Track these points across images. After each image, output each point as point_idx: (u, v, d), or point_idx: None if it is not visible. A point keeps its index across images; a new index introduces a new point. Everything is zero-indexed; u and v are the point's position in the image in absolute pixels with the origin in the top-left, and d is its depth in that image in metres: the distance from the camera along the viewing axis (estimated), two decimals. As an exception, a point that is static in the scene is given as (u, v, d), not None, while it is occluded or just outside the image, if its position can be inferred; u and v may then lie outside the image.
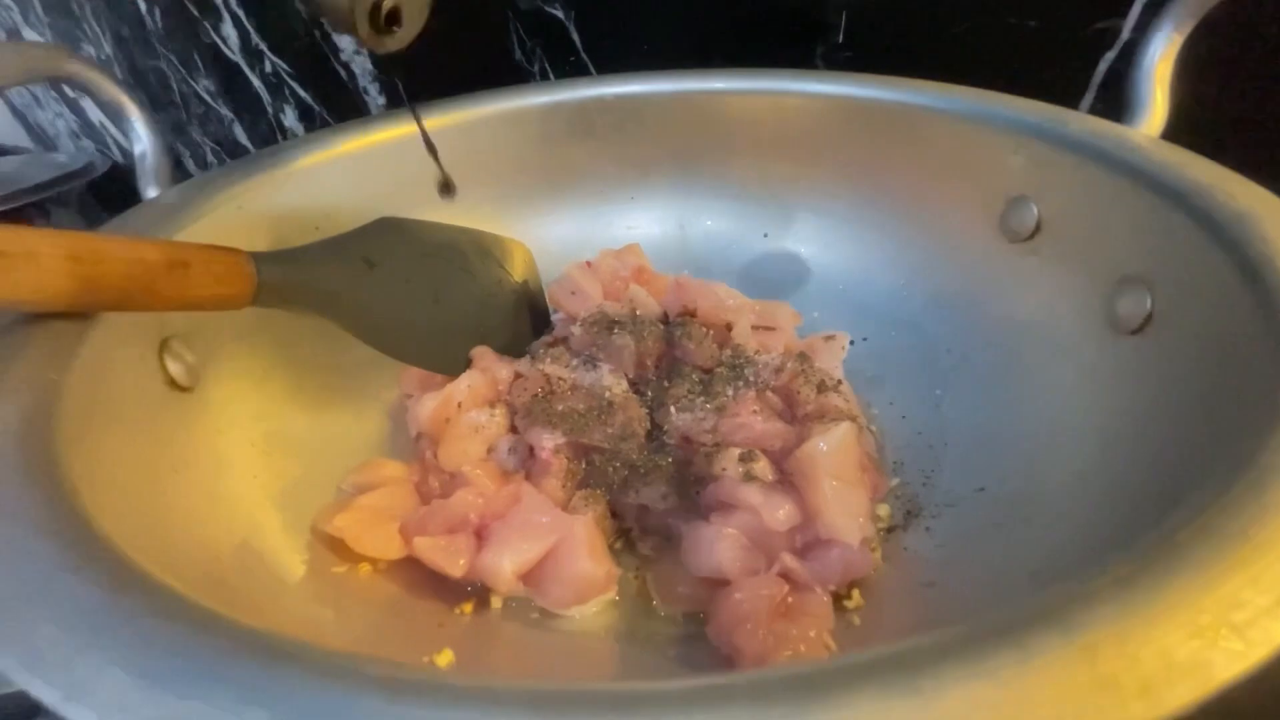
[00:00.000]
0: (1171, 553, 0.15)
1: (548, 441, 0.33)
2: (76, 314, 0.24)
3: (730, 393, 0.34)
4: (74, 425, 0.21)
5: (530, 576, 0.30)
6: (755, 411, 0.33)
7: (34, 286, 0.21)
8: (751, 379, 0.35)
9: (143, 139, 0.35)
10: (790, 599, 0.27)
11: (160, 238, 0.30)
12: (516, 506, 0.31)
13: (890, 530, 0.32)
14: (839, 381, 0.35)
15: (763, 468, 0.30)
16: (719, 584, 0.29)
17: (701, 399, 0.34)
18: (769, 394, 0.34)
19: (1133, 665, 0.13)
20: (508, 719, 0.12)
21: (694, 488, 0.32)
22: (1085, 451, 0.29)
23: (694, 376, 0.36)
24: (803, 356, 0.36)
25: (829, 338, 0.37)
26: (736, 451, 0.31)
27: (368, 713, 0.12)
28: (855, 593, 0.29)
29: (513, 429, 0.35)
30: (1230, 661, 0.13)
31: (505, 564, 0.29)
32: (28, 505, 0.17)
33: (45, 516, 0.17)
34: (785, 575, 0.28)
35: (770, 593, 0.27)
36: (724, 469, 0.31)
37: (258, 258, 0.29)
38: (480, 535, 0.30)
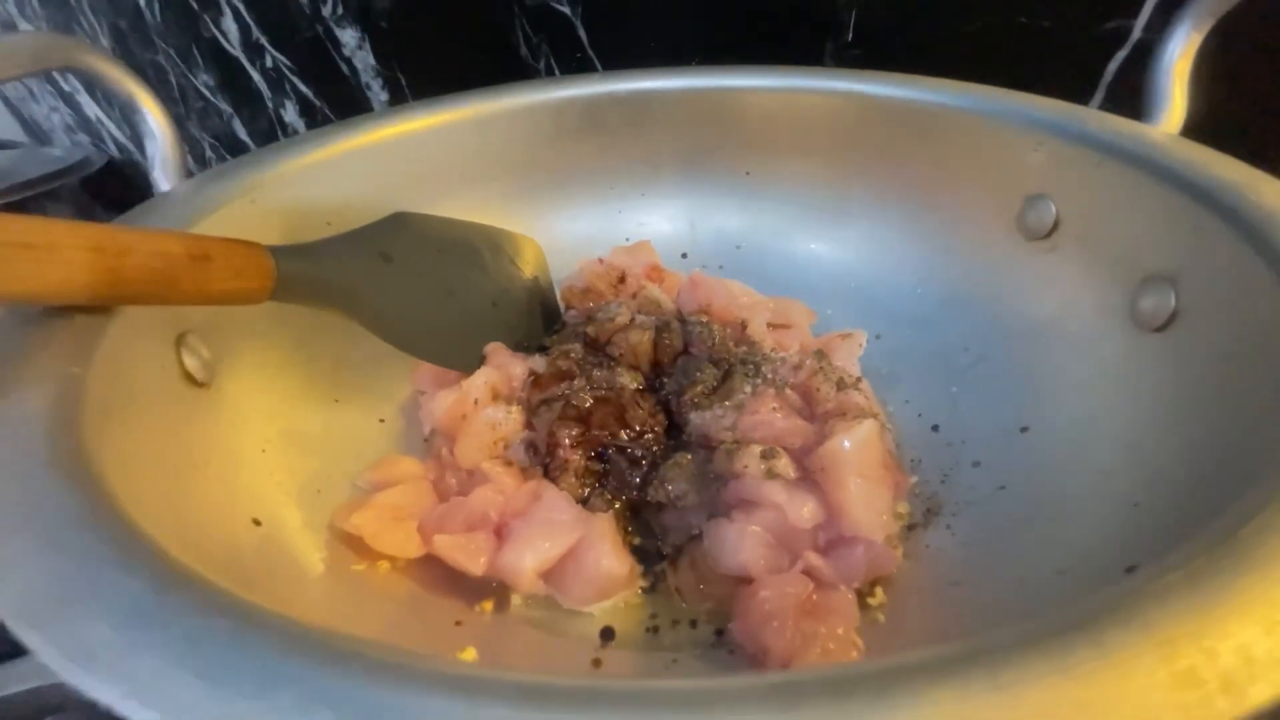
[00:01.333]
0: (1238, 548, 0.15)
1: (565, 438, 0.33)
2: (96, 308, 0.24)
3: (749, 390, 0.34)
4: (96, 419, 0.20)
5: (551, 574, 0.30)
6: (775, 409, 0.33)
7: (58, 279, 0.21)
8: (770, 376, 0.35)
9: (155, 132, 0.35)
10: (815, 597, 0.27)
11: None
12: (536, 504, 0.30)
13: (911, 528, 0.32)
14: (858, 379, 0.35)
15: (784, 465, 0.30)
16: (742, 581, 0.29)
17: (719, 397, 0.34)
18: (788, 391, 0.34)
19: (1211, 661, 0.13)
20: (574, 718, 0.12)
21: (714, 485, 0.32)
22: (1109, 449, 0.29)
23: (711, 374, 0.35)
24: (820, 354, 0.36)
25: (846, 335, 0.37)
26: (758, 449, 0.31)
27: (437, 712, 0.12)
28: (879, 590, 0.29)
29: (528, 426, 0.35)
30: None
31: (526, 562, 0.29)
32: (63, 499, 0.16)
33: (81, 510, 0.16)
34: (809, 573, 0.28)
35: (796, 591, 0.27)
36: (745, 466, 0.30)
37: (276, 252, 0.28)
38: (500, 533, 0.30)
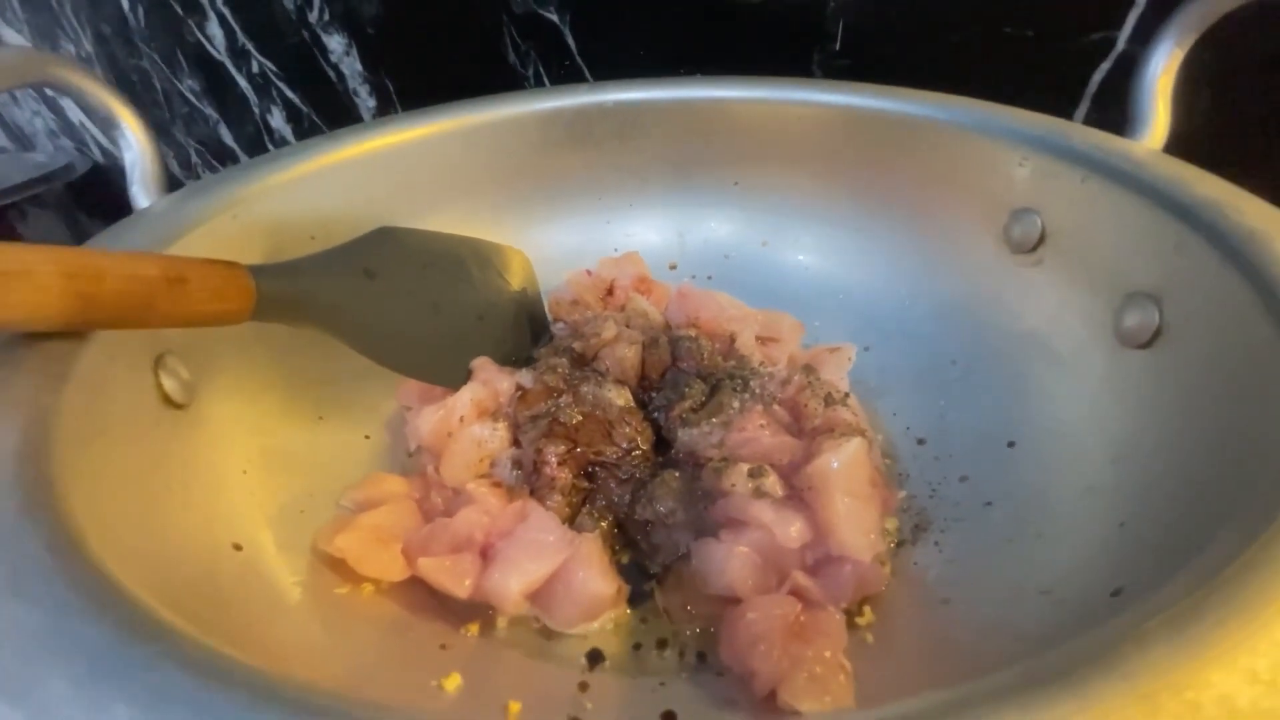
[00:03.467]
0: (1218, 590, 0.15)
1: (552, 456, 0.33)
2: (70, 333, 0.24)
3: (736, 406, 0.34)
4: (70, 448, 0.20)
5: (538, 596, 0.29)
6: (762, 425, 0.33)
7: (30, 305, 0.20)
8: (758, 392, 0.34)
9: (133, 145, 0.34)
10: (803, 618, 0.27)
11: (155, 252, 0.29)
12: (522, 525, 0.30)
13: (900, 545, 0.32)
14: (846, 394, 0.34)
15: (772, 483, 0.30)
16: (729, 602, 0.29)
17: (707, 413, 0.34)
18: (775, 407, 0.34)
19: (1195, 714, 0.13)
20: None
21: (702, 502, 0.32)
22: (1095, 465, 0.29)
23: (699, 390, 0.35)
24: (809, 369, 0.36)
25: (835, 349, 0.37)
26: (745, 467, 0.31)
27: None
28: (867, 609, 0.29)
29: (515, 443, 0.35)
30: None
31: (512, 584, 0.28)
32: (29, 544, 0.16)
33: (48, 554, 0.16)
34: (797, 593, 0.28)
35: (783, 612, 0.27)
36: (733, 485, 0.30)
37: (256, 271, 0.28)
38: (485, 554, 0.30)
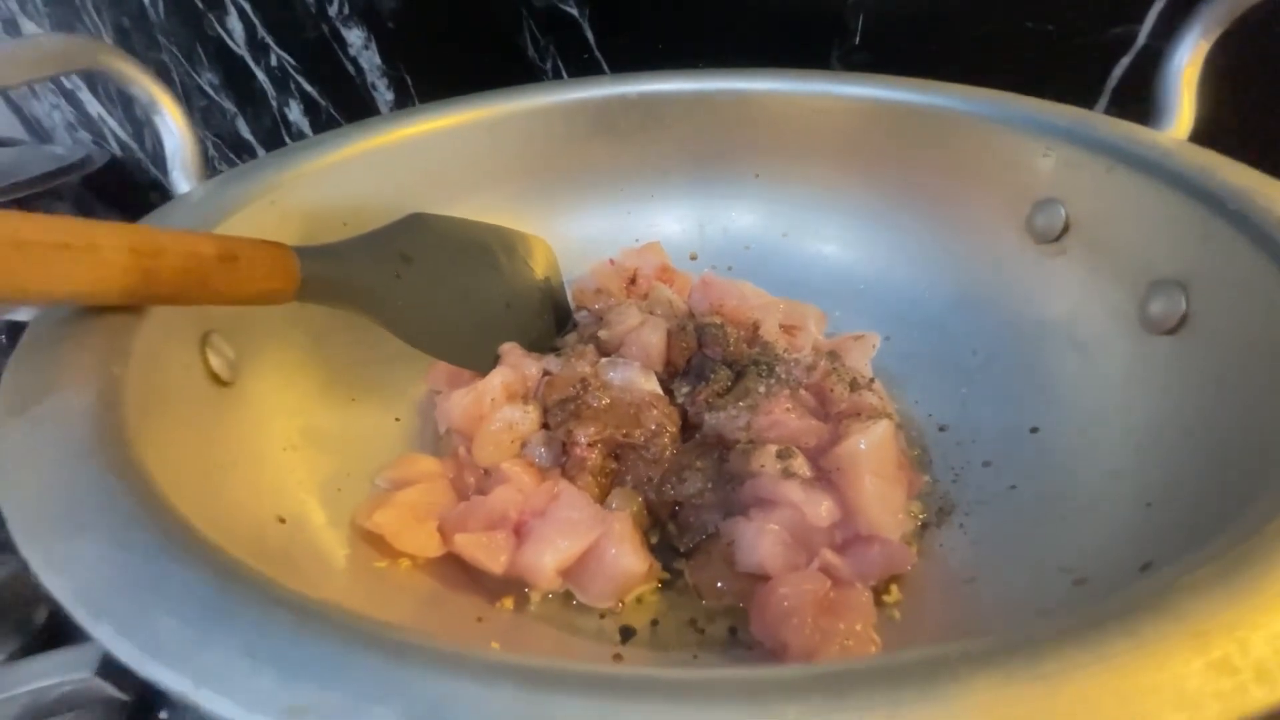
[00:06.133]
0: (1265, 542, 0.16)
1: (581, 437, 0.33)
2: (125, 308, 0.24)
3: (762, 390, 0.34)
4: (136, 419, 0.21)
5: (570, 572, 0.30)
6: (789, 409, 0.33)
7: (95, 279, 0.21)
8: (783, 376, 0.35)
9: (174, 132, 0.35)
10: (832, 594, 0.28)
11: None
12: (555, 503, 0.31)
13: (924, 527, 0.32)
14: (871, 379, 0.35)
15: (800, 464, 0.31)
16: (759, 579, 0.29)
17: (734, 397, 0.35)
18: (801, 392, 0.35)
19: (1244, 650, 0.13)
20: (639, 706, 0.12)
21: (730, 484, 0.32)
22: (1119, 450, 0.30)
23: (724, 375, 0.36)
24: (833, 354, 0.36)
25: (858, 337, 0.38)
26: (774, 448, 0.31)
27: (501, 702, 0.12)
28: (894, 588, 0.29)
29: (544, 425, 0.35)
30: None
31: (546, 560, 0.29)
32: (119, 497, 0.17)
33: (137, 507, 0.17)
34: (826, 570, 0.28)
35: (814, 588, 0.27)
36: (762, 465, 0.31)
37: (300, 253, 0.29)
38: (519, 532, 0.31)
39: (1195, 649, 0.13)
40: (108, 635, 0.14)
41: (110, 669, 0.19)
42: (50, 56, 0.30)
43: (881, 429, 0.30)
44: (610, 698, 0.12)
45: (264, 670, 0.13)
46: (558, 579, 0.30)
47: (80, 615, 0.15)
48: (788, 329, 0.40)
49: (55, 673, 0.19)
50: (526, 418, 0.35)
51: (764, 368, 0.36)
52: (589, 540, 0.30)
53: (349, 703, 0.12)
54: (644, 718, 0.12)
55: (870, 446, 0.30)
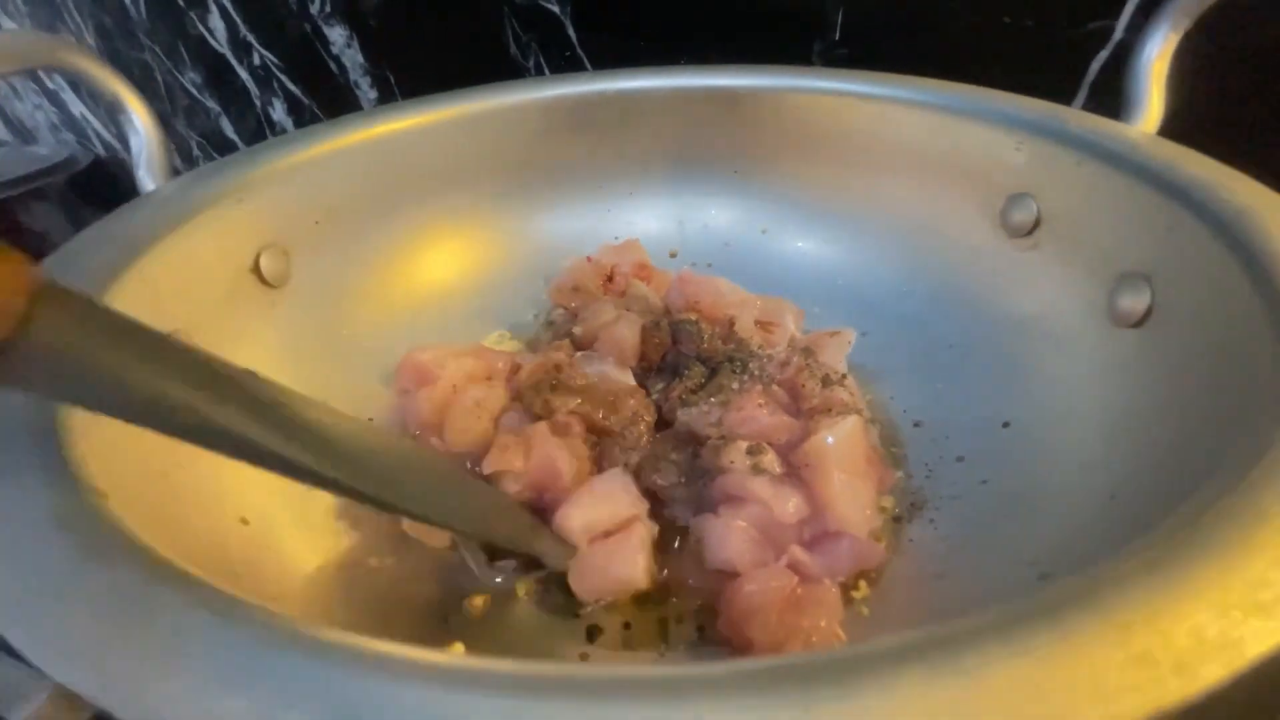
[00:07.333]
0: (1196, 536, 0.16)
1: (561, 407, 0.33)
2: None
3: (735, 387, 0.34)
4: (83, 421, 0.21)
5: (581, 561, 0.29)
6: (761, 405, 0.33)
7: None
8: (756, 373, 0.35)
9: (140, 131, 0.35)
10: (800, 590, 0.28)
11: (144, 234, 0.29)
12: (601, 475, 0.31)
13: (896, 521, 0.32)
14: (844, 376, 0.35)
15: (770, 460, 0.31)
16: (729, 576, 0.29)
17: (706, 394, 0.34)
18: (774, 388, 0.34)
19: (1166, 643, 0.13)
20: (553, 705, 0.12)
21: (701, 480, 0.32)
22: (1087, 443, 0.30)
23: (698, 371, 0.36)
24: (807, 351, 0.36)
25: (834, 334, 0.38)
26: (744, 444, 0.31)
27: (417, 703, 0.12)
28: (862, 584, 0.29)
29: (515, 401, 0.35)
30: (1259, 638, 0.14)
31: (575, 520, 0.29)
32: (44, 497, 0.17)
33: (63, 508, 0.17)
34: (794, 567, 0.28)
35: (780, 584, 0.27)
36: (732, 461, 0.31)
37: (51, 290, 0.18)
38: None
39: (1117, 642, 0.13)
40: (19, 638, 0.14)
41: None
42: (12, 53, 0.30)
43: (850, 425, 0.30)
44: (525, 697, 0.12)
45: (177, 675, 0.13)
46: (576, 546, 0.29)
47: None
48: (764, 325, 0.40)
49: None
50: (492, 393, 0.34)
51: (738, 364, 0.36)
52: (622, 518, 0.29)
53: (263, 709, 0.12)
54: (551, 716, 0.12)
55: (838, 442, 0.30)
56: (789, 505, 0.29)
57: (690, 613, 0.30)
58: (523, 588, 0.30)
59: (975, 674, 0.13)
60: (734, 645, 0.27)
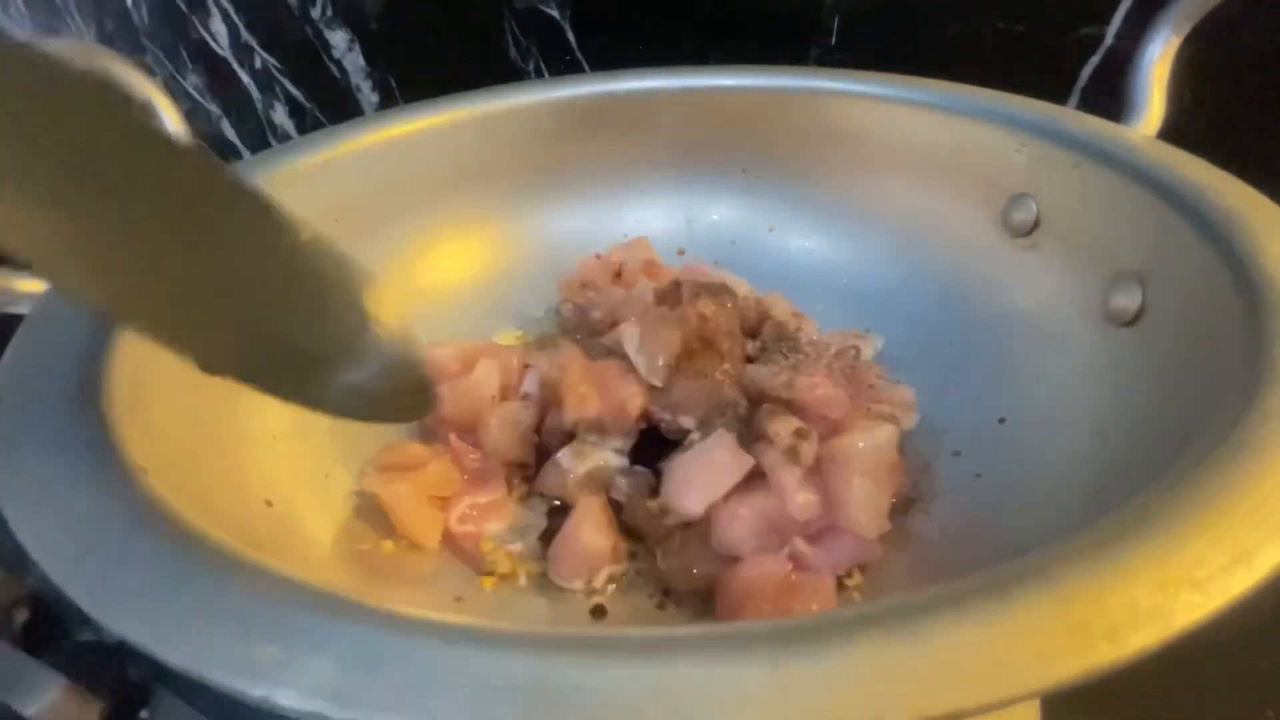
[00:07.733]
0: (1144, 518, 0.17)
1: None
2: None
3: (801, 356, 0.36)
4: (126, 402, 0.22)
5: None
6: (828, 376, 0.34)
7: None
8: (810, 354, 0.36)
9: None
10: (794, 577, 0.28)
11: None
12: (699, 448, 0.31)
13: (892, 513, 0.33)
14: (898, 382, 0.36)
15: (808, 450, 0.30)
16: (729, 561, 0.30)
17: (781, 352, 0.36)
18: (835, 368, 0.35)
19: (1102, 613, 0.15)
20: (562, 661, 0.14)
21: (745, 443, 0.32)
22: (1080, 439, 0.30)
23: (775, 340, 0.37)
24: (855, 347, 0.37)
25: (861, 336, 0.39)
26: (795, 423, 0.31)
27: (428, 656, 0.14)
28: (856, 572, 0.30)
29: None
30: (1188, 611, 0.15)
31: (690, 502, 0.30)
32: (98, 475, 0.18)
33: (115, 484, 0.18)
34: (795, 559, 0.29)
35: (776, 569, 0.28)
36: (778, 433, 0.31)
37: None
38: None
39: (1057, 613, 0.15)
40: (78, 592, 0.16)
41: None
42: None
43: (885, 434, 0.31)
44: (504, 649, 0.14)
45: (219, 624, 0.15)
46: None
47: (54, 573, 0.16)
48: (798, 315, 0.41)
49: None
50: (527, 413, 0.35)
51: (789, 343, 0.37)
52: (735, 479, 0.30)
53: (293, 654, 0.14)
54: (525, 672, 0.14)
55: (869, 448, 0.30)
56: (800, 500, 0.29)
57: (690, 599, 0.30)
58: (522, 570, 0.31)
59: (926, 637, 0.14)
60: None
